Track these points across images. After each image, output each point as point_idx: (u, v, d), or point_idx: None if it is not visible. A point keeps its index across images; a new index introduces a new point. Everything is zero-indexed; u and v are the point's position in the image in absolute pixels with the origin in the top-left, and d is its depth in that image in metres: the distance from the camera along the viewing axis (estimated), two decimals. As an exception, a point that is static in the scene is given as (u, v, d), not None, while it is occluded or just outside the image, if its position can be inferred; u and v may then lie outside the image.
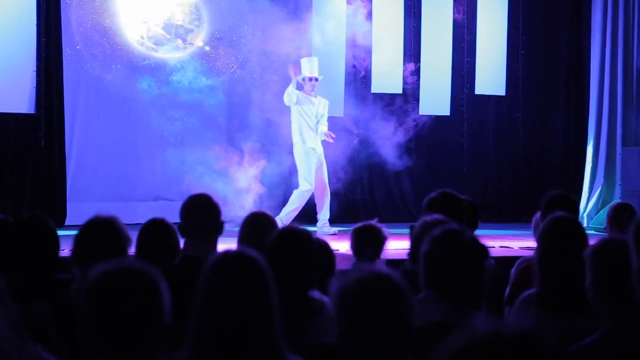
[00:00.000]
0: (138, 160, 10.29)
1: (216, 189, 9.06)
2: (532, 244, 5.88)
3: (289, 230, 3.27)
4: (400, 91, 11.19)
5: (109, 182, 10.14)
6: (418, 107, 11.27)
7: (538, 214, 4.52)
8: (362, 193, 11.10)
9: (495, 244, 7.72)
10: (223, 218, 3.81)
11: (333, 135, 9.32)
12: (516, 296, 3.54)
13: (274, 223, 3.85)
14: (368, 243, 4.47)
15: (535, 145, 11.95)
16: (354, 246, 4.52)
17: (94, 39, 10.12)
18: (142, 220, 4.21)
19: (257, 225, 3.80)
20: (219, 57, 10.56)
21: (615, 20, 11.23)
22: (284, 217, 8.97)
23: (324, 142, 9.40)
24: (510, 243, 8.17)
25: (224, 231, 3.80)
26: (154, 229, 4.00)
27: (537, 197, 4.78)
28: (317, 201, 9.33)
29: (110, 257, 2.22)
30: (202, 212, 3.75)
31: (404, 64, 11.17)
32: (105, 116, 10.15)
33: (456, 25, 11.47)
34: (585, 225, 8.92)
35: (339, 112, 10.58)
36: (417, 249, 2.98)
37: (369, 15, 10.82)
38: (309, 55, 9.86)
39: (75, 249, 3.36)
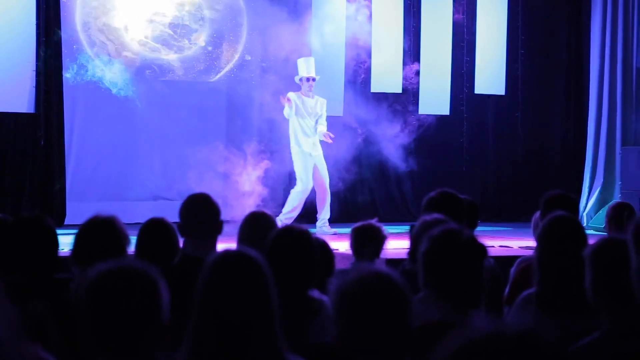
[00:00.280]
0: (137, 160, 10.29)
1: (216, 190, 9.05)
2: (532, 243, 5.88)
3: (288, 230, 3.27)
4: (400, 90, 11.19)
5: (109, 182, 10.13)
6: (418, 107, 11.27)
7: (537, 214, 4.52)
8: (362, 192, 11.09)
9: (494, 244, 7.71)
10: (222, 218, 3.81)
11: (332, 135, 9.32)
12: (515, 296, 3.54)
13: (273, 223, 3.85)
14: (367, 242, 4.47)
15: (534, 144, 11.95)
16: (354, 246, 4.52)
17: (94, 38, 10.12)
18: (142, 219, 4.21)
19: (256, 225, 3.80)
20: (220, 57, 10.56)
21: (615, 20, 11.23)
22: (283, 218, 8.97)
23: (323, 143, 9.39)
24: (509, 242, 8.16)
25: (222, 231, 3.80)
26: (154, 228, 4.01)
27: (536, 197, 4.78)
28: (317, 201, 9.34)
29: (110, 256, 2.22)
30: (202, 211, 3.75)
31: (404, 63, 11.17)
32: (104, 116, 10.14)
33: (456, 24, 11.47)
34: (584, 224, 8.93)
35: (339, 112, 10.58)
36: (416, 248, 2.98)
37: (369, 14, 10.82)
38: (309, 54, 9.86)
39: (75, 249, 3.36)
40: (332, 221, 9.51)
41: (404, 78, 11.16)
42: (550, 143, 12.05)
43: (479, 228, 4.63)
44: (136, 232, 3.94)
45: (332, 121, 9.72)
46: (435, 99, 11.41)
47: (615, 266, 2.70)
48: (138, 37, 10.22)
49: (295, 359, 2.33)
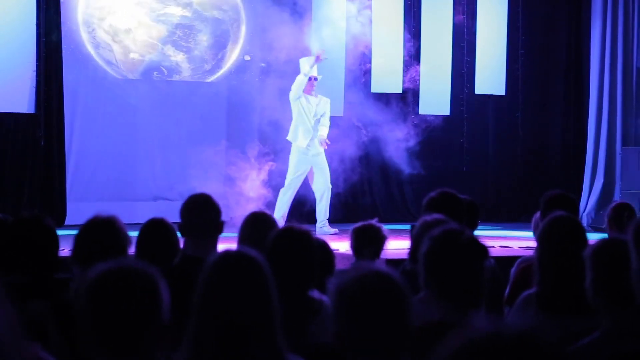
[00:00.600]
0: (138, 160, 10.29)
1: (217, 190, 9.05)
2: (532, 243, 5.88)
3: (288, 230, 3.27)
4: (400, 91, 11.19)
5: (109, 182, 10.13)
6: (418, 107, 11.27)
7: (538, 214, 4.52)
8: (362, 193, 11.09)
9: (495, 244, 7.71)
10: (223, 218, 3.81)
11: (328, 142, 9.30)
12: (516, 296, 3.54)
13: (274, 223, 3.85)
14: (367, 243, 4.47)
15: (535, 144, 11.95)
16: (354, 246, 4.52)
17: (94, 38, 10.12)
18: (142, 220, 4.21)
19: (257, 225, 3.80)
20: (220, 58, 10.56)
21: (615, 20, 11.23)
22: (277, 217, 8.99)
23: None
24: (510, 243, 8.16)
25: (223, 231, 3.80)
26: (154, 228, 4.01)
27: (536, 197, 4.78)
28: (317, 201, 9.33)
29: (110, 256, 2.22)
30: (202, 211, 3.75)
31: (404, 63, 11.17)
32: (105, 116, 10.15)
33: (456, 25, 11.47)
34: (584, 225, 8.91)
35: (339, 112, 10.58)
36: (417, 248, 2.97)
37: (369, 14, 10.81)
38: (309, 54, 9.85)
39: (75, 249, 3.35)
40: (332, 221, 9.50)
41: (404, 78, 11.16)
42: (550, 143, 12.05)
43: (479, 228, 4.63)
44: (137, 232, 3.94)
45: (332, 121, 9.72)
46: (435, 99, 11.41)
47: (615, 266, 2.70)
48: (144, 38, 10.22)
49: (295, 359, 2.33)
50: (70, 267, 3.40)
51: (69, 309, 2.94)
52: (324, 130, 9.31)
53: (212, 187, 8.99)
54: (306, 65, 9.25)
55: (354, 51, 10.84)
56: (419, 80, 11.23)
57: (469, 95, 11.61)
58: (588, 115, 11.52)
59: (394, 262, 5.49)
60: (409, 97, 11.21)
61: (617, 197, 10.71)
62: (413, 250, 3.78)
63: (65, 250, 4.19)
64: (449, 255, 2.71)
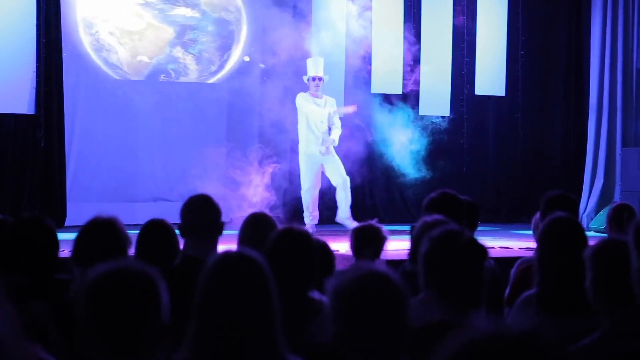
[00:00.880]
0: (138, 161, 10.29)
1: (218, 191, 9.05)
2: (532, 244, 5.88)
3: (288, 230, 3.27)
4: (400, 92, 11.19)
5: (109, 183, 10.13)
6: (418, 108, 11.27)
7: (538, 214, 4.52)
8: (362, 193, 11.09)
9: (495, 245, 7.72)
10: (223, 219, 3.81)
11: (335, 144, 9.29)
12: (516, 296, 3.54)
13: (273, 224, 3.85)
14: (367, 243, 4.47)
15: (535, 145, 11.95)
16: (354, 246, 4.52)
17: (97, 41, 10.12)
18: (142, 221, 4.21)
19: (257, 226, 3.80)
20: (225, 58, 10.56)
21: (615, 20, 11.23)
22: (307, 222, 9.04)
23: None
24: (510, 243, 8.17)
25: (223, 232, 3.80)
26: (154, 229, 4.01)
27: (536, 198, 4.78)
28: (336, 193, 9.34)
29: (111, 257, 2.22)
30: (203, 212, 3.74)
31: (404, 64, 11.17)
32: (105, 117, 10.15)
33: (456, 26, 11.47)
34: (584, 226, 8.92)
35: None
36: (417, 249, 2.98)
37: (369, 15, 10.81)
38: (309, 56, 9.86)
39: (76, 250, 3.35)
40: (332, 223, 9.51)
41: (405, 79, 11.16)
42: (550, 144, 12.06)
43: (479, 229, 4.63)
44: (137, 233, 3.94)
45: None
46: (435, 100, 11.41)
47: (615, 267, 2.70)
48: (152, 40, 10.22)
49: (295, 360, 2.33)
50: (71, 268, 3.40)
51: (69, 309, 2.94)
52: (336, 133, 9.30)
53: (212, 188, 9.01)
54: (301, 97, 9.22)
55: (354, 52, 10.84)
56: (419, 81, 11.23)
57: (469, 96, 11.62)
58: (588, 116, 11.52)
59: (394, 263, 5.49)
60: (409, 98, 11.21)
61: (617, 198, 10.71)
62: (413, 251, 3.78)
63: (65, 251, 4.19)
64: (449, 256, 2.72)
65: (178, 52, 10.39)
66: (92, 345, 2.04)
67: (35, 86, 9.65)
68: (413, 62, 11.19)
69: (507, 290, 4.25)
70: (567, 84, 12.08)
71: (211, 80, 10.51)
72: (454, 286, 2.70)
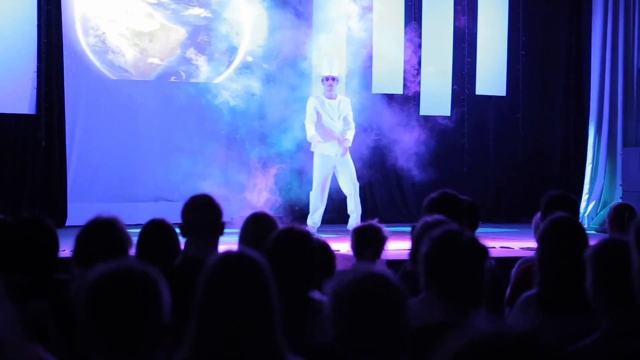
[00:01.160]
0: (139, 161, 10.29)
1: (218, 191, 9.05)
2: (533, 244, 5.88)
3: (289, 230, 3.27)
4: (401, 92, 11.19)
5: (110, 183, 10.14)
6: (419, 108, 11.27)
7: (538, 215, 4.52)
8: (363, 194, 11.08)
9: (495, 245, 7.72)
10: (224, 219, 3.81)
11: (347, 147, 9.26)
12: (516, 296, 3.54)
13: (274, 223, 3.85)
14: (368, 243, 4.47)
15: (535, 145, 11.95)
16: (354, 246, 4.52)
17: (94, 39, 10.12)
18: (143, 221, 4.21)
19: (257, 226, 3.80)
20: (233, 58, 10.56)
21: (616, 20, 11.23)
22: (310, 223, 9.00)
23: None
24: (510, 243, 8.17)
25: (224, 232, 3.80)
26: (155, 229, 4.00)
27: (537, 198, 4.78)
28: (347, 199, 9.31)
29: (111, 257, 2.22)
30: (203, 212, 3.74)
31: (405, 64, 11.16)
32: (106, 117, 10.15)
33: (457, 26, 11.47)
34: (585, 225, 8.91)
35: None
36: (418, 249, 2.98)
37: (370, 16, 10.81)
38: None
39: (76, 250, 3.35)
40: (333, 222, 9.52)
41: (405, 79, 11.16)
42: (551, 144, 12.05)
43: (479, 229, 4.63)
44: (137, 233, 3.94)
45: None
46: (436, 100, 11.41)
47: (616, 267, 2.70)
48: (163, 41, 10.23)
49: (295, 360, 2.33)
50: (71, 268, 3.40)
51: (69, 309, 2.94)
52: (350, 134, 9.27)
53: (213, 188, 9.03)
54: (312, 102, 9.17)
55: (355, 52, 10.84)
56: (419, 81, 11.23)
57: (470, 96, 11.61)
58: (589, 115, 11.52)
59: (394, 263, 5.49)
60: (410, 98, 11.21)
61: (617, 198, 10.71)
62: (414, 251, 3.78)
63: (66, 251, 4.19)
64: (449, 256, 2.72)
65: (191, 53, 10.39)
66: (92, 345, 2.04)
67: (36, 86, 9.66)
68: (414, 62, 11.19)
69: (508, 290, 4.25)
70: (567, 84, 12.07)
71: (216, 81, 10.51)
72: (455, 286, 2.70)
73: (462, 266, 2.71)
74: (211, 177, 9.52)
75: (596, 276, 2.73)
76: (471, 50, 11.56)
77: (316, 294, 3.18)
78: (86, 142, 10.11)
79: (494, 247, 7.46)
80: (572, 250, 3.15)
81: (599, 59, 11.36)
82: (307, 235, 3.25)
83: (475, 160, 11.69)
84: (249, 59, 10.57)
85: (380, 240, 4.49)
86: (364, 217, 8.91)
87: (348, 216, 9.30)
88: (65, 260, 3.59)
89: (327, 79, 9.21)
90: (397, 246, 5.73)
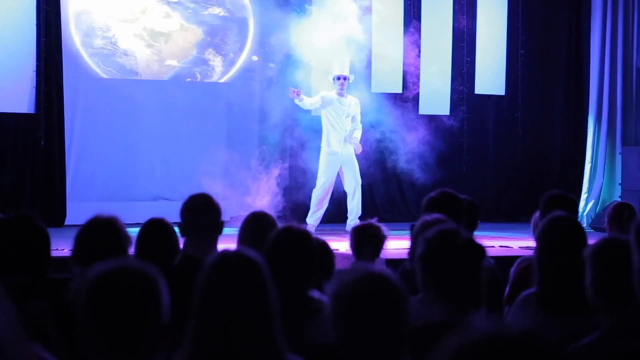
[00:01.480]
0: (138, 160, 10.29)
1: (218, 190, 9.05)
2: (532, 243, 5.88)
3: (288, 230, 3.27)
4: (400, 91, 11.19)
5: (109, 182, 10.14)
6: (418, 107, 11.27)
7: (537, 214, 4.52)
8: (362, 193, 11.08)
9: (494, 244, 7.72)
10: (223, 218, 3.81)
11: (360, 148, 9.29)
12: (516, 296, 3.54)
13: (273, 223, 3.85)
14: (367, 242, 4.46)
15: (534, 144, 11.95)
16: (353, 245, 4.52)
17: (94, 39, 10.12)
18: (142, 220, 4.21)
19: (257, 225, 3.80)
20: (221, 57, 10.56)
21: (615, 20, 11.23)
22: (311, 221, 9.02)
23: None
24: (509, 242, 8.17)
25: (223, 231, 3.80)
26: (154, 228, 4.00)
27: (536, 197, 4.78)
28: (348, 199, 9.33)
29: (111, 257, 2.22)
30: (202, 211, 3.74)
31: (404, 63, 11.16)
32: (105, 116, 10.15)
33: (456, 25, 11.47)
34: (584, 225, 8.92)
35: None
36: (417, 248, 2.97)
37: (370, 15, 10.80)
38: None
39: (76, 249, 3.35)
40: (331, 222, 9.51)
41: (405, 79, 11.16)
42: (550, 143, 12.05)
43: (478, 228, 4.63)
44: (137, 232, 3.94)
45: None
46: (435, 99, 11.41)
47: (616, 266, 2.70)
48: (180, 42, 10.23)
49: (295, 359, 2.33)
50: (70, 267, 3.39)
51: (69, 309, 2.94)
52: (357, 134, 9.31)
53: (213, 188, 9.02)
54: (325, 95, 9.22)
55: (354, 51, 10.82)
56: (419, 80, 11.23)
57: (469, 95, 11.61)
58: (588, 115, 11.52)
59: (394, 262, 5.49)
60: (409, 97, 11.21)
61: (617, 197, 10.71)
62: (413, 250, 3.77)
63: (65, 250, 4.19)
64: (445, 256, 2.71)
65: (210, 54, 10.39)
66: (92, 345, 2.04)
67: (35, 85, 9.66)
68: (413, 62, 11.19)
69: (507, 289, 4.25)
70: (567, 83, 12.07)
71: (214, 81, 10.50)
72: (452, 286, 2.70)
73: (458, 266, 2.71)
74: (211, 176, 9.51)
75: (596, 275, 2.73)
76: (470, 50, 11.56)
77: (315, 294, 3.18)
78: (85, 142, 10.11)
79: (493, 246, 7.46)
80: (571, 249, 3.15)
81: (598, 58, 11.36)
82: (307, 234, 3.24)
83: (474, 159, 11.69)
84: (255, 58, 10.57)
85: (379, 239, 4.48)
86: (363, 216, 8.91)
87: (347, 217, 9.30)
88: (64, 259, 3.58)
89: (338, 77, 9.27)
90: (397, 245, 5.73)
